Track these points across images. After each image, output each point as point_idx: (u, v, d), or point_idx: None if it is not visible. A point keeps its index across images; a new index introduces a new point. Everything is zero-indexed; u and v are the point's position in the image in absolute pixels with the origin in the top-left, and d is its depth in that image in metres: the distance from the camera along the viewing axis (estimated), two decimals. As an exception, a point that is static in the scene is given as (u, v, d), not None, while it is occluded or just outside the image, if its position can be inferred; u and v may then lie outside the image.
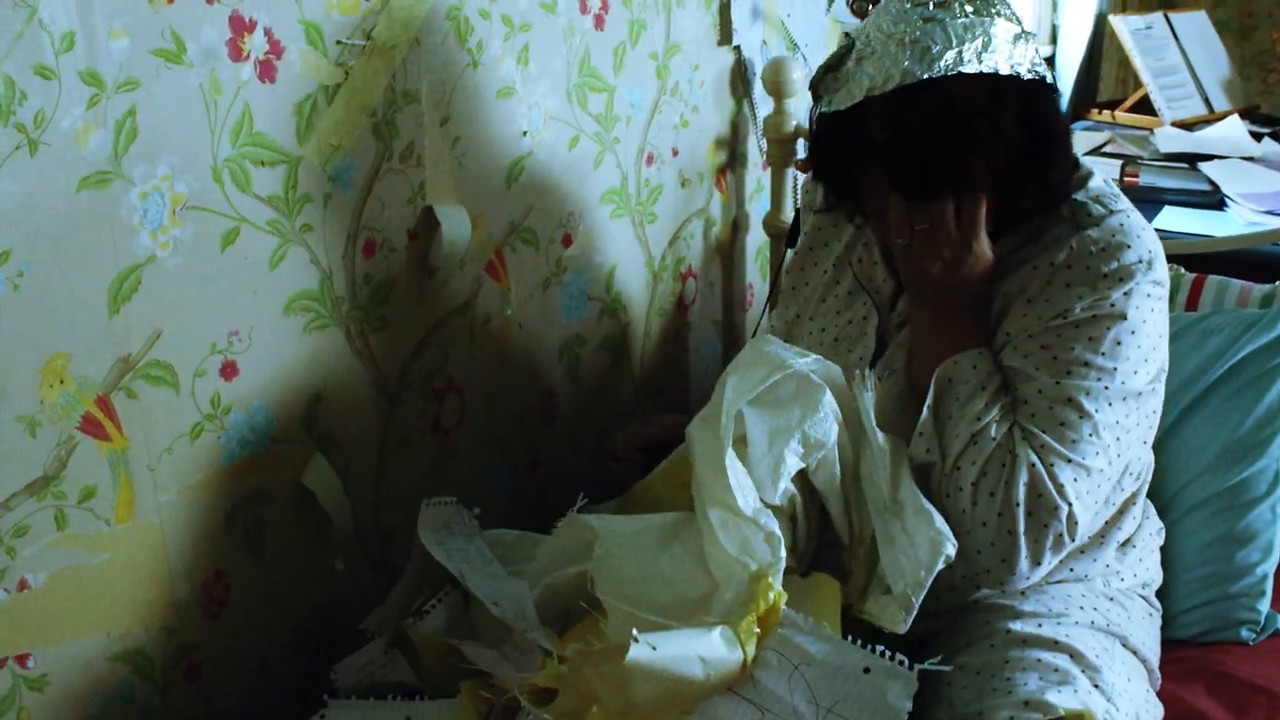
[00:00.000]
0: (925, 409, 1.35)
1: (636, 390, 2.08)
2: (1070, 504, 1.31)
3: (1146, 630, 1.50)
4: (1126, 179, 2.90)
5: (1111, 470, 1.37)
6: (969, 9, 1.31)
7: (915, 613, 1.24)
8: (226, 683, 1.42)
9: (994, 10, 1.32)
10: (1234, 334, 1.72)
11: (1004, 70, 1.29)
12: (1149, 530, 1.56)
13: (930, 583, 1.24)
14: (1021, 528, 1.31)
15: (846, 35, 1.37)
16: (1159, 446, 1.63)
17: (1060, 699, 1.25)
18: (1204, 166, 2.99)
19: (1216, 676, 1.58)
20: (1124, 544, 1.50)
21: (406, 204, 1.52)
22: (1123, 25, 3.73)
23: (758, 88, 2.19)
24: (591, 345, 1.94)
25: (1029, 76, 1.32)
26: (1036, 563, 1.33)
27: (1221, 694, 1.55)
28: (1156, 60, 3.71)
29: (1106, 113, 3.81)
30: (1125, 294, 1.33)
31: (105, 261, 1.19)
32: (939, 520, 1.27)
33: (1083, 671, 1.30)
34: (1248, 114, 3.71)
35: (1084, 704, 1.25)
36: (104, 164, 1.17)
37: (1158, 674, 1.50)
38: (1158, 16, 3.84)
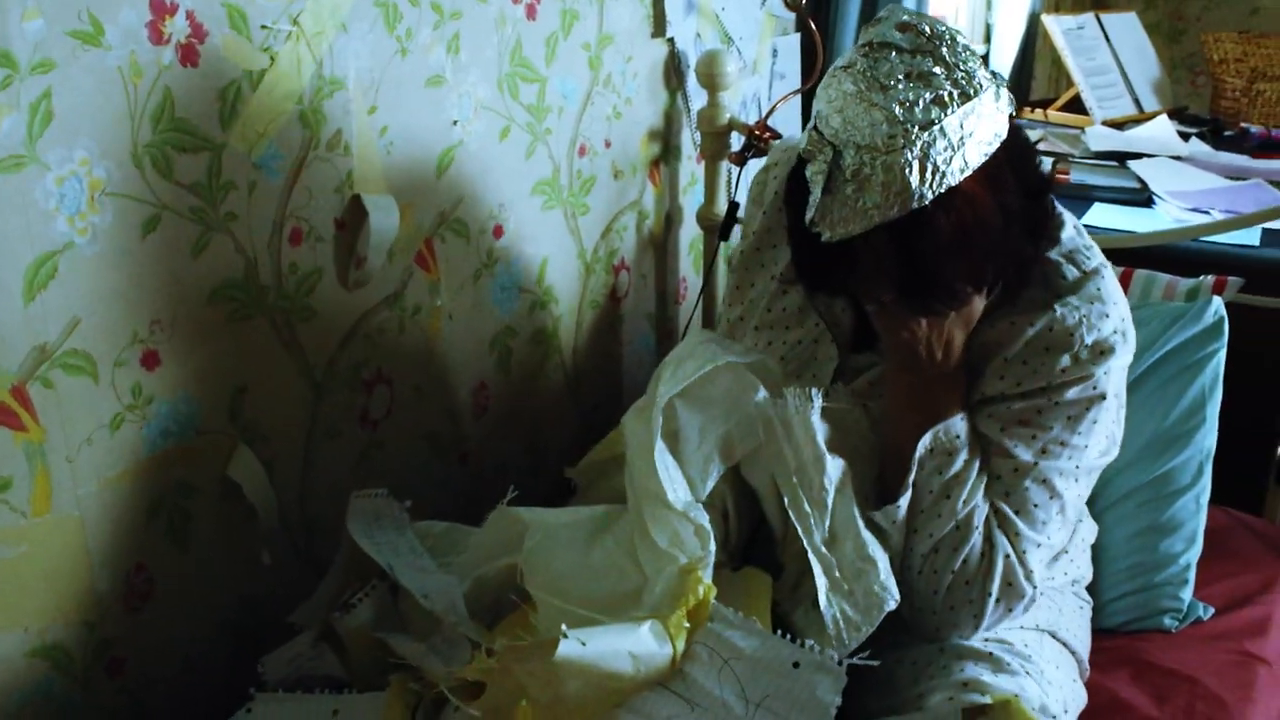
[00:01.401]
0: (908, 483, 1.31)
1: (569, 382, 2.07)
2: (1035, 587, 1.34)
3: (1077, 623, 1.52)
4: (1057, 176, 2.93)
5: (1065, 540, 1.42)
6: (957, 95, 1.15)
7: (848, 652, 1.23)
8: (151, 677, 1.40)
9: (977, 85, 1.16)
10: (1160, 327, 1.74)
11: (995, 146, 1.18)
12: (1081, 534, 1.58)
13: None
14: (988, 612, 1.33)
15: (816, 132, 1.20)
16: (1086, 438, 1.65)
17: (995, 680, 1.27)
18: (1133, 165, 3.04)
19: (1141, 665, 1.61)
20: (1056, 555, 1.51)
21: (334, 192, 1.50)
22: (1055, 25, 3.78)
23: (691, 80, 2.19)
24: (523, 337, 1.93)
25: (1007, 128, 1.20)
26: (988, 629, 1.36)
27: (1145, 682, 1.57)
28: (1088, 60, 3.76)
29: (1039, 111, 3.85)
30: (1106, 372, 1.30)
31: (20, 248, 1.16)
32: (884, 572, 1.24)
33: (1014, 659, 1.33)
34: (1176, 114, 3.77)
35: (1020, 688, 1.27)
36: (18, 147, 1.14)
37: (1087, 665, 1.52)
38: (1089, 17, 3.90)
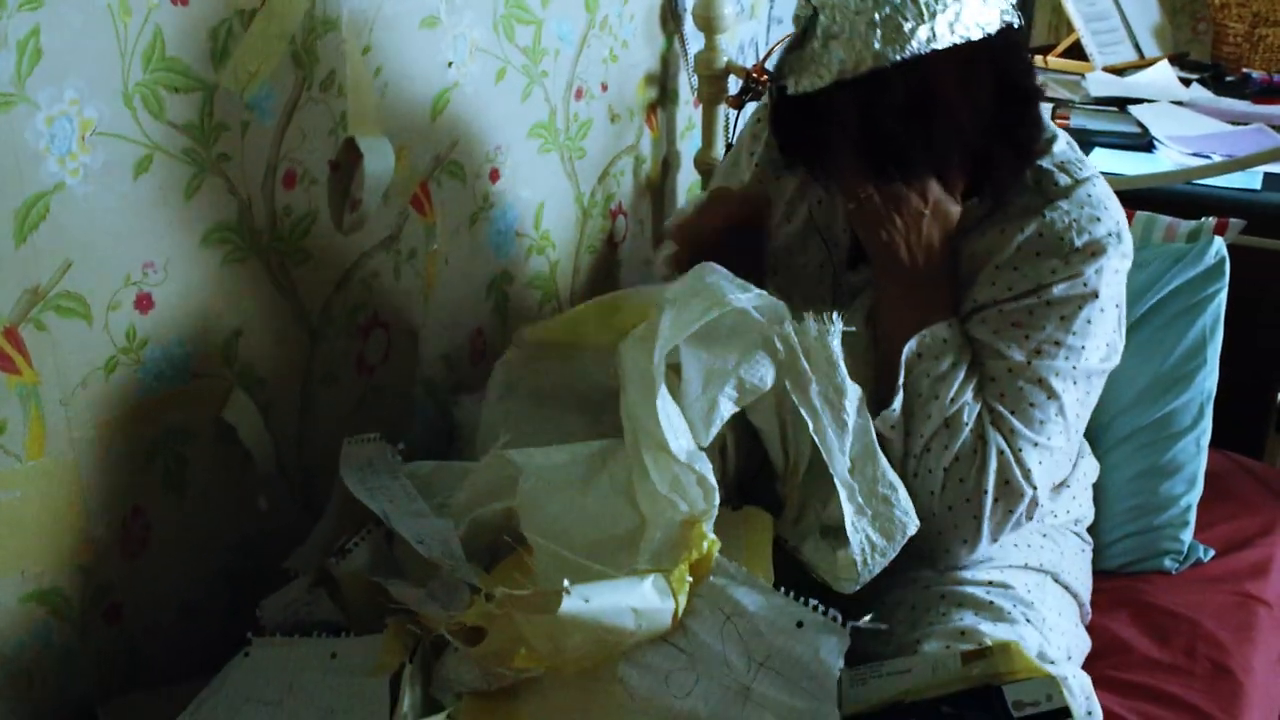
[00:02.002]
0: (899, 386, 1.32)
1: (567, 329, 2.06)
2: (1035, 488, 1.33)
3: (1079, 565, 1.52)
4: (1058, 121, 2.91)
5: (1070, 447, 1.39)
6: None
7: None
8: (148, 623, 1.40)
9: None
10: (1161, 268, 1.74)
11: (975, 36, 1.23)
12: (1083, 469, 1.57)
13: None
14: (987, 513, 1.32)
15: (808, 3, 1.28)
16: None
17: (994, 630, 1.26)
18: (1134, 110, 3.02)
19: (1141, 606, 1.61)
20: (1059, 485, 1.51)
21: (328, 135, 1.48)
22: (1055, -31, 3.74)
23: (689, 23, 2.16)
24: (520, 282, 1.91)
25: (1000, 27, 1.25)
26: (994, 541, 1.35)
27: (1145, 623, 1.58)
28: (1088, 6, 3.73)
29: (1039, 58, 3.82)
30: (1097, 271, 1.31)
31: (10, 189, 1.14)
32: (904, 498, 1.25)
33: (1015, 606, 1.32)
34: (1177, 60, 3.74)
35: (1019, 635, 1.26)
36: (6, 86, 1.12)
37: (1088, 608, 1.52)
38: (1090, -39, 3.85)
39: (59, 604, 1.29)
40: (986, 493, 1.31)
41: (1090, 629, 1.49)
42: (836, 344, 1.26)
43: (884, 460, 1.26)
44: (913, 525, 1.24)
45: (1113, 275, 1.34)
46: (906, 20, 1.20)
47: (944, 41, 1.21)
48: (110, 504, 1.32)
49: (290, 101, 1.42)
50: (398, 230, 1.63)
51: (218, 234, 1.37)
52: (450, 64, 1.65)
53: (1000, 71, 1.28)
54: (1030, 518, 1.35)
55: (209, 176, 1.34)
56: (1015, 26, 1.28)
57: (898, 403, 1.32)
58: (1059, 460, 1.37)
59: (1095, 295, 1.32)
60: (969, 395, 1.32)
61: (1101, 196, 1.35)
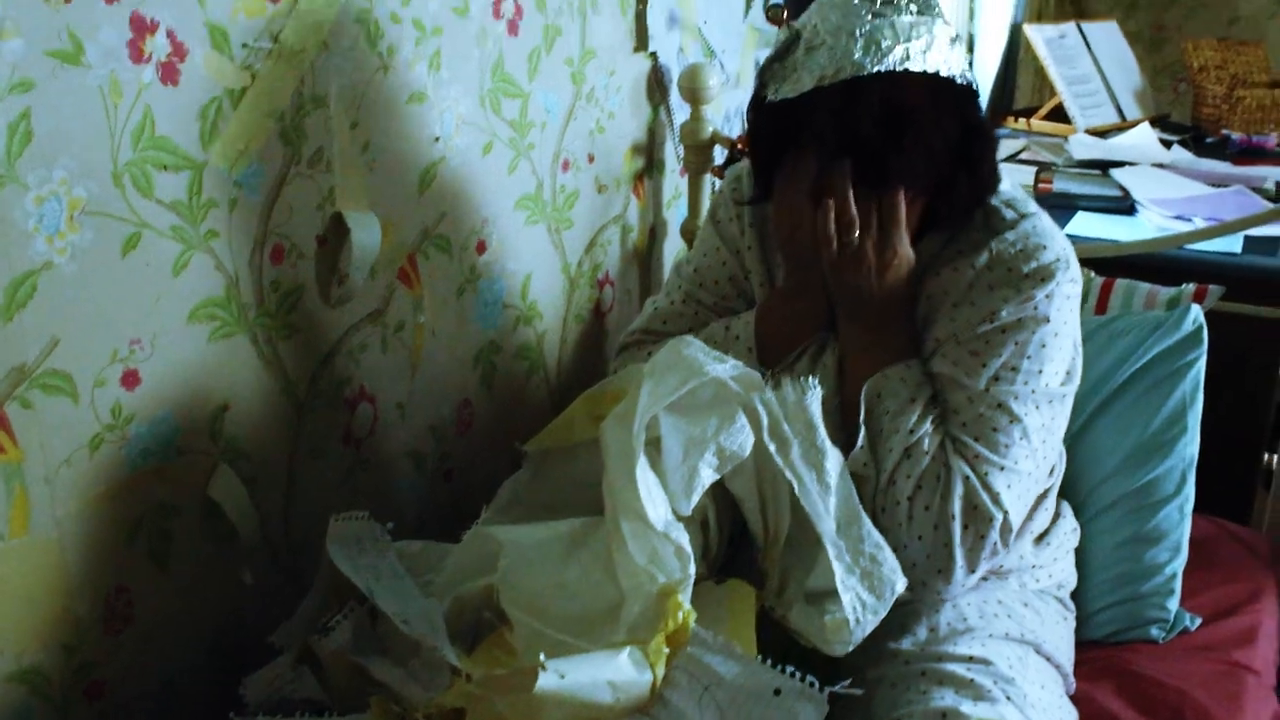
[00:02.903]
0: (860, 424, 1.35)
1: (553, 398, 2.07)
2: (1005, 511, 1.34)
3: (1060, 634, 1.52)
4: (1041, 185, 2.94)
5: (1039, 472, 1.39)
6: (914, 7, 1.34)
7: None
8: (131, 700, 1.39)
9: (935, 11, 1.35)
10: (1141, 335, 1.75)
11: (944, 72, 1.32)
12: (1064, 529, 1.58)
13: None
14: (957, 540, 1.32)
15: (790, 27, 1.39)
16: (1070, 448, 1.65)
17: (975, 710, 1.26)
18: (1116, 173, 3.05)
19: (1127, 676, 1.60)
20: (1040, 538, 1.52)
21: (316, 209, 1.50)
22: (1037, 35, 3.79)
23: (674, 94, 2.19)
24: (507, 353, 1.92)
25: (961, 82, 1.35)
26: (971, 571, 1.35)
27: (1132, 693, 1.57)
28: (1070, 69, 3.78)
29: (1022, 120, 3.87)
30: (1048, 296, 1.36)
31: (-2, 268, 1.16)
32: (891, 557, 1.26)
33: (996, 684, 1.31)
34: (1158, 122, 3.79)
35: (1000, 715, 1.26)
36: (-4, 167, 1.13)
37: (1072, 679, 1.52)
38: (1071, 26, 3.91)
39: (40, 683, 1.28)
40: (954, 518, 1.32)
41: (1076, 700, 1.49)
42: (815, 408, 1.29)
43: (868, 521, 1.28)
44: (901, 583, 1.25)
45: (1064, 300, 1.38)
46: (885, 38, 1.30)
47: (917, 65, 1.30)
48: (93, 581, 1.32)
49: (278, 177, 1.44)
50: (385, 303, 1.64)
51: (205, 310, 1.38)
52: (437, 138, 1.67)
53: (964, 113, 1.36)
54: (1006, 545, 1.36)
55: (197, 253, 1.35)
56: (973, 87, 1.37)
57: (861, 439, 1.35)
58: (1027, 485, 1.38)
59: (1047, 320, 1.36)
60: (928, 425, 1.35)
61: (1046, 228, 1.40)
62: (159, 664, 1.41)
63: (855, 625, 1.22)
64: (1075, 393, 1.44)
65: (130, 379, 1.31)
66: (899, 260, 1.36)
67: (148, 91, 1.26)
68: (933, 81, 1.32)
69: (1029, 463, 1.36)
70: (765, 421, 1.27)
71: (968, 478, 1.33)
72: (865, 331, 1.41)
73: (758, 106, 1.41)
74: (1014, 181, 1.48)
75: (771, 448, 1.26)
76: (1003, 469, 1.34)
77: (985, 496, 1.33)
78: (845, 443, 1.37)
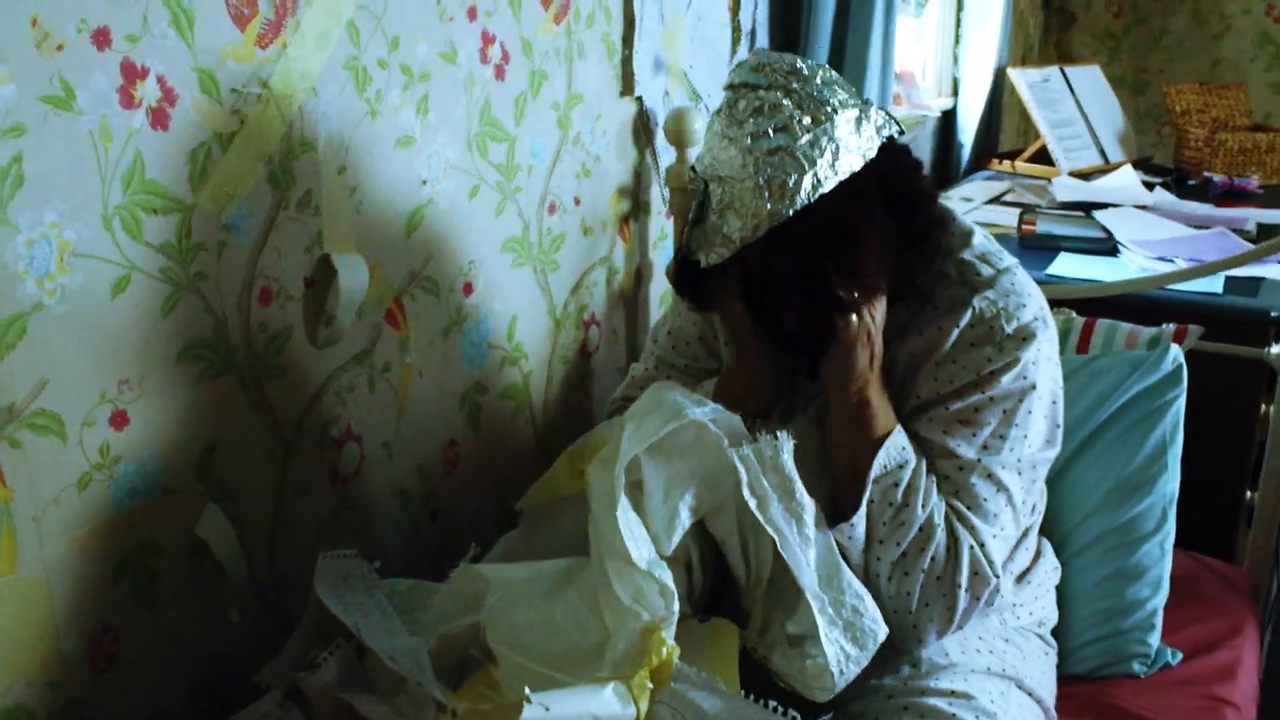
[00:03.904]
0: (862, 502, 1.34)
1: (539, 438, 2.08)
2: (999, 576, 1.37)
3: (1042, 669, 1.53)
4: (1025, 226, 2.97)
5: (1018, 530, 1.43)
6: (807, 121, 1.27)
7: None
8: (117, 739, 1.39)
9: (829, 110, 1.28)
10: (1122, 375, 1.77)
11: (857, 166, 1.28)
12: (1045, 567, 1.59)
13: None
14: (961, 606, 1.36)
15: (693, 171, 1.36)
16: (1052, 486, 1.67)
17: (956, 745, 1.27)
18: (1099, 215, 3.08)
19: (1109, 710, 1.62)
20: (1021, 576, 1.54)
21: (304, 252, 1.52)
22: (1021, 79, 3.84)
23: (660, 138, 2.22)
24: (493, 393, 1.94)
25: (879, 146, 1.30)
26: (963, 626, 1.38)
27: (1113, 728, 1.58)
28: (1054, 112, 3.82)
29: (1007, 163, 3.91)
30: (1034, 362, 1.36)
31: (-12, 309, 1.17)
32: (872, 606, 1.28)
33: (978, 718, 1.34)
34: (1141, 164, 3.83)
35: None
36: (-13, 211, 1.15)
37: (1054, 714, 1.53)
38: (1054, 70, 3.96)
39: (27, 721, 1.29)
40: (960, 586, 1.35)
41: (1058, 735, 1.50)
42: (789, 461, 1.29)
43: (848, 571, 1.29)
44: (883, 632, 1.27)
45: (1046, 362, 1.39)
46: (790, 174, 1.25)
47: (830, 184, 1.26)
48: (80, 619, 1.32)
49: (267, 220, 1.46)
50: (372, 344, 1.66)
51: (193, 351, 1.40)
52: (425, 182, 1.70)
53: (890, 187, 1.33)
54: (991, 604, 1.38)
55: (185, 295, 1.37)
56: (894, 137, 1.33)
57: (859, 518, 1.34)
58: (1011, 543, 1.43)
59: (1034, 387, 1.37)
60: (935, 498, 1.36)
61: (1023, 283, 1.40)
62: (145, 702, 1.42)
63: (839, 675, 1.24)
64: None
65: (119, 419, 1.33)
66: (878, 331, 1.36)
67: (138, 136, 1.28)
68: (851, 182, 1.27)
69: (1013, 526, 1.40)
70: (745, 478, 1.29)
71: (972, 548, 1.36)
72: (852, 405, 1.37)
73: (687, 266, 1.38)
74: (984, 233, 1.47)
75: (752, 504, 1.28)
76: (995, 536, 1.37)
77: (986, 566, 1.36)
78: (829, 502, 1.37)
